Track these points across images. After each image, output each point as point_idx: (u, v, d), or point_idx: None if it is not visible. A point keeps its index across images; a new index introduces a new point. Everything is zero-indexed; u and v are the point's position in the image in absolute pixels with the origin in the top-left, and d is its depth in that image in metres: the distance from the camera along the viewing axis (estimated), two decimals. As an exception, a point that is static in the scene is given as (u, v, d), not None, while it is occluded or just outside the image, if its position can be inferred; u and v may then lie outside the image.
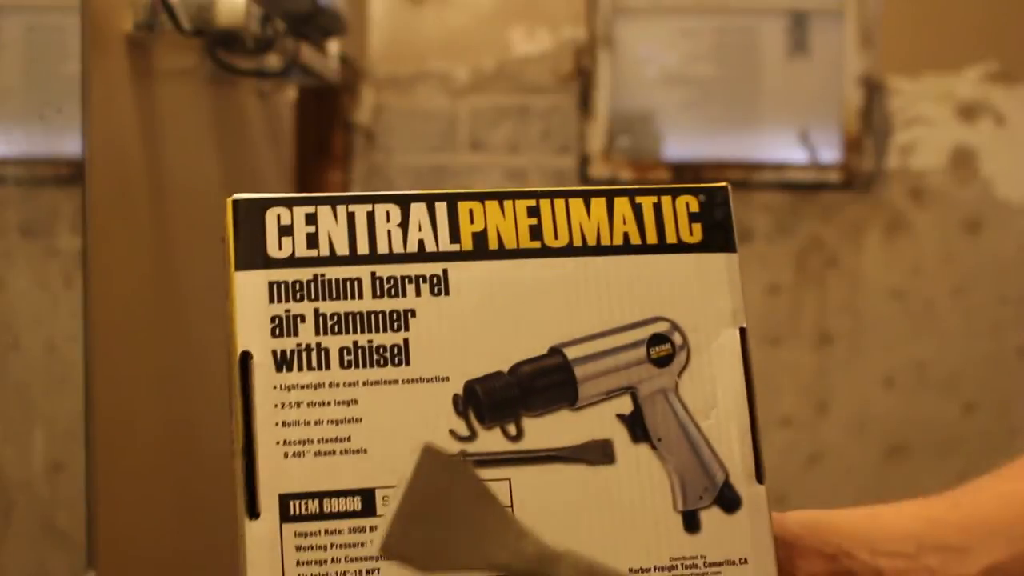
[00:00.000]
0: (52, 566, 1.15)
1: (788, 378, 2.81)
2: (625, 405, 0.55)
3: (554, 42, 2.84)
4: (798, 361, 2.82)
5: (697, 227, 0.57)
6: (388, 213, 0.54)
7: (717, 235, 0.57)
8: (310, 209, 0.54)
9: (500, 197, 0.56)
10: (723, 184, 0.58)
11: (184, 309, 1.49)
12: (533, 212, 0.56)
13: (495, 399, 0.53)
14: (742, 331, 0.56)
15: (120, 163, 1.28)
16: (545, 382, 0.54)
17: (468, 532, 0.44)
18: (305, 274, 0.53)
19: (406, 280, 0.54)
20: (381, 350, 0.53)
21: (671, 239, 0.56)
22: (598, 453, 0.53)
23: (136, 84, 1.31)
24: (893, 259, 2.81)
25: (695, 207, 0.57)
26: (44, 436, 1.11)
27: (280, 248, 0.53)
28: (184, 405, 1.49)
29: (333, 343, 0.53)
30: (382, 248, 0.54)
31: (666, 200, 0.57)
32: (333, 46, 2.02)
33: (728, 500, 0.54)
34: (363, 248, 0.54)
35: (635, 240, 0.56)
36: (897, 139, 2.80)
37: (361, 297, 0.53)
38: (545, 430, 0.53)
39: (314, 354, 0.52)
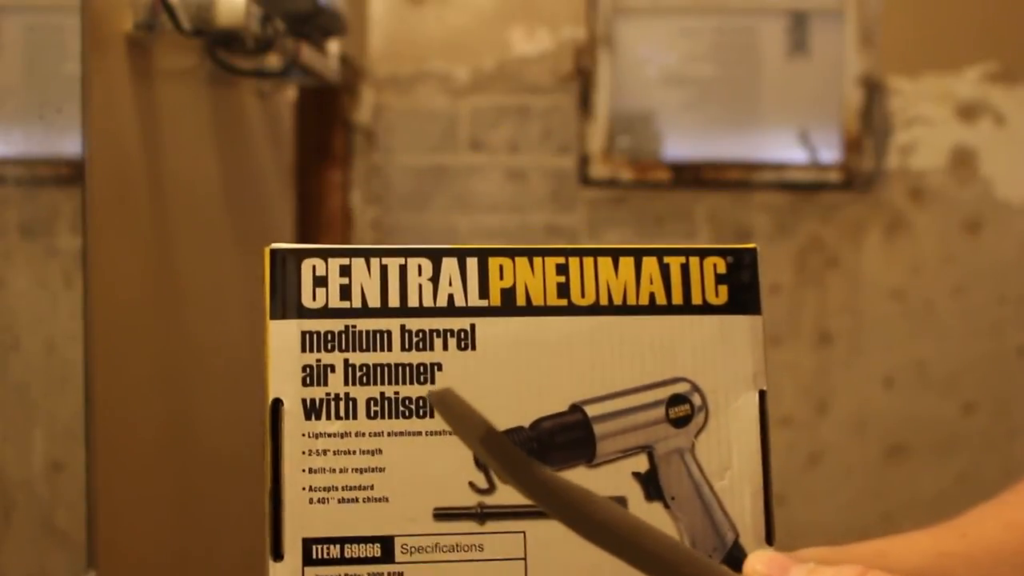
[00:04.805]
0: (52, 566, 1.15)
1: (788, 378, 2.81)
2: (641, 463, 0.56)
3: (554, 42, 2.84)
4: (798, 361, 2.82)
5: (723, 289, 0.57)
6: (420, 267, 0.56)
7: (742, 297, 0.58)
8: (344, 261, 0.55)
9: (530, 254, 0.57)
10: (751, 246, 0.59)
11: (184, 309, 1.49)
12: (562, 270, 0.56)
13: None
14: (762, 394, 0.57)
15: (120, 163, 1.28)
16: (565, 438, 0.55)
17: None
18: (337, 325, 0.54)
19: (434, 334, 0.55)
20: (407, 402, 0.54)
21: (696, 300, 0.57)
22: None
23: (136, 84, 1.31)
24: (893, 259, 2.81)
25: (722, 268, 0.58)
26: (44, 436, 1.11)
27: (314, 299, 0.55)
28: (184, 405, 1.49)
29: (361, 393, 0.54)
30: (412, 302, 0.55)
31: (694, 261, 0.58)
32: (333, 46, 2.01)
33: (736, 560, 0.55)
34: (394, 301, 0.55)
35: (661, 300, 0.57)
36: (897, 139, 2.80)
37: (390, 349, 0.55)
38: None
39: (342, 403, 0.54)
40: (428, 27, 2.85)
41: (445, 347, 0.55)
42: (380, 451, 0.54)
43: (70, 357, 1.14)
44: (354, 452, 0.54)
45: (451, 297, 0.55)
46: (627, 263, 0.57)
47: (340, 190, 2.71)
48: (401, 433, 0.54)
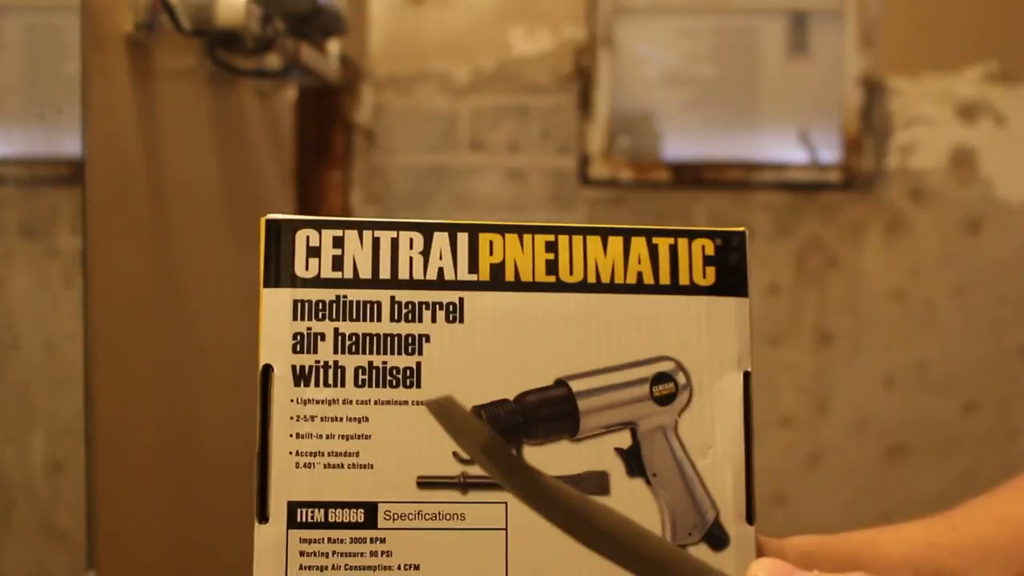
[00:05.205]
0: (52, 566, 1.15)
1: (788, 378, 2.81)
2: (624, 439, 0.56)
3: (554, 42, 2.84)
4: (798, 361, 2.82)
5: (711, 270, 0.58)
6: (412, 240, 0.57)
7: (730, 279, 0.58)
8: (338, 232, 0.56)
9: (520, 231, 0.57)
10: (740, 229, 0.59)
11: (184, 309, 1.49)
12: (551, 247, 0.57)
13: (499, 425, 0.55)
14: (746, 375, 0.57)
15: (120, 163, 1.28)
16: (549, 412, 0.56)
17: None
18: (328, 294, 0.56)
19: (423, 306, 0.56)
20: (394, 371, 0.55)
21: (684, 281, 0.58)
22: (593, 484, 0.55)
23: (136, 84, 1.31)
24: (893, 259, 2.81)
25: (711, 250, 0.58)
26: (44, 436, 1.11)
27: (307, 268, 0.56)
28: (184, 405, 1.49)
29: (349, 362, 0.55)
30: (403, 274, 0.56)
31: (682, 242, 0.58)
32: (333, 46, 2.02)
33: (716, 538, 0.56)
34: (385, 273, 0.56)
35: (648, 280, 0.57)
36: (897, 139, 2.80)
37: (379, 320, 0.56)
38: (544, 458, 0.55)
39: (331, 371, 0.55)
40: (428, 27, 2.85)
41: (433, 319, 0.56)
42: (366, 419, 0.55)
43: (70, 357, 1.14)
44: (341, 419, 0.55)
45: (441, 271, 0.56)
46: (616, 242, 0.58)
47: (340, 190, 2.71)
48: (387, 402, 0.55)
